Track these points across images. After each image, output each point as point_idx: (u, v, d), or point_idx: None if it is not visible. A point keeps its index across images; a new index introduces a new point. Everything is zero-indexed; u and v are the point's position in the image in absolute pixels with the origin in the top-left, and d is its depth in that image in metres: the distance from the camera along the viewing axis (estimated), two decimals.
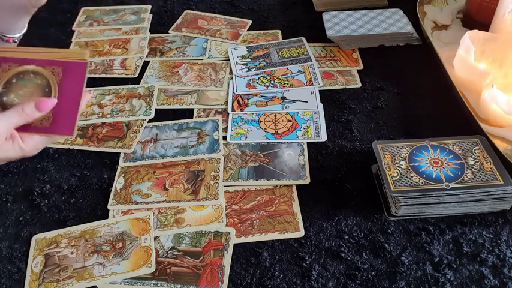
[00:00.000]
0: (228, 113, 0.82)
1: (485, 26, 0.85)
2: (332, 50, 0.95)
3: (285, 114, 0.81)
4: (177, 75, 0.90)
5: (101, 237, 0.64)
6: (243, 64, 0.92)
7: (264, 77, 0.89)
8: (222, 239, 0.63)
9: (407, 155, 0.66)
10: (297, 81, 0.88)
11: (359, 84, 0.87)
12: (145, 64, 0.94)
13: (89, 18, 1.07)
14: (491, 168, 0.63)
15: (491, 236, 0.61)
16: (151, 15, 1.07)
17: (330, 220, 0.64)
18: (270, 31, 1.02)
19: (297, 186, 0.69)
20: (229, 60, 0.94)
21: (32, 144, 0.54)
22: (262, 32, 1.02)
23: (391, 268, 0.59)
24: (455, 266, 0.58)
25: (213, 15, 1.08)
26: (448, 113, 0.78)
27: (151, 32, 1.02)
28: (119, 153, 0.75)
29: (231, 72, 0.91)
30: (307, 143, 0.76)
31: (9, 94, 0.54)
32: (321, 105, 0.82)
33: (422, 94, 0.83)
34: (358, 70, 0.90)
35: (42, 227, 0.66)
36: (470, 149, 0.66)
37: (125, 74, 0.91)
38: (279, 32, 1.02)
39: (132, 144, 0.76)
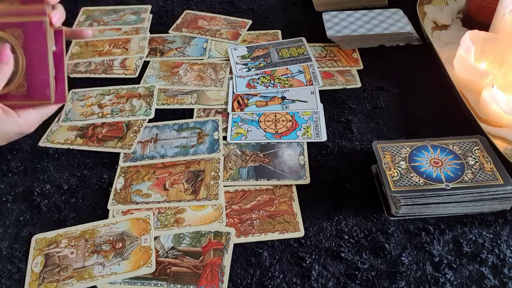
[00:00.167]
0: (228, 113, 0.82)
1: (485, 26, 0.85)
2: (332, 50, 0.95)
3: (285, 114, 0.81)
4: (177, 75, 0.90)
5: (101, 237, 0.64)
6: (243, 64, 0.92)
7: (264, 77, 0.89)
8: (222, 239, 0.63)
9: (407, 155, 0.66)
10: (297, 81, 0.88)
11: (359, 84, 0.87)
12: (145, 64, 0.94)
13: (89, 18, 1.07)
14: (491, 168, 0.63)
15: (491, 236, 0.62)
16: (151, 15, 1.07)
17: (330, 220, 0.64)
18: (270, 31, 1.02)
19: (297, 186, 0.69)
20: (229, 60, 0.94)
21: (29, 119, 0.54)
22: (262, 32, 1.02)
23: (391, 268, 0.59)
24: (455, 266, 0.59)
25: (213, 15, 1.08)
26: (448, 113, 0.78)
27: (151, 32, 1.02)
28: (119, 153, 0.75)
29: (231, 72, 0.91)
30: (307, 143, 0.76)
31: None
32: (321, 105, 0.82)
33: (422, 94, 0.83)
34: (358, 70, 0.90)
35: (42, 227, 0.66)
36: (470, 149, 0.66)
37: (125, 74, 0.91)
38: (279, 32, 1.02)
39: (132, 144, 0.76)
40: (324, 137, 0.76)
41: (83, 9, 1.09)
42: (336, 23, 0.97)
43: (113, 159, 0.75)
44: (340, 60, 0.92)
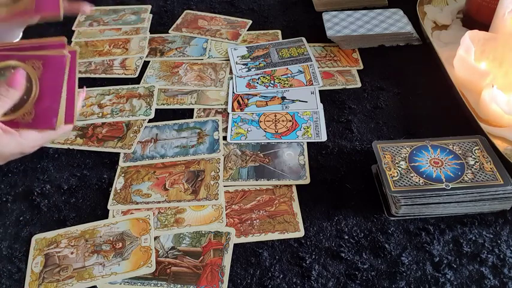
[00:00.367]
0: (228, 113, 0.82)
1: (485, 26, 0.85)
2: (332, 50, 0.95)
3: (285, 114, 0.81)
4: (177, 75, 0.90)
5: (101, 237, 0.64)
6: (243, 64, 0.92)
7: (264, 77, 0.89)
8: (222, 239, 0.63)
9: (407, 155, 0.66)
10: (297, 81, 0.88)
11: (359, 84, 0.87)
12: (145, 64, 0.94)
13: (89, 18, 1.07)
14: (491, 168, 0.63)
15: (491, 236, 0.61)
16: (151, 15, 1.07)
17: (330, 220, 0.64)
18: (270, 31, 1.02)
19: (297, 186, 0.69)
20: (229, 60, 0.94)
21: (31, 140, 0.54)
22: (262, 32, 1.02)
23: (391, 268, 0.59)
24: (455, 266, 0.58)
25: (213, 15, 1.08)
26: (448, 113, 0.78)
27: (151, 32, 1.02)
28: (119, 153, 0.75)
29: (231, 72, 0.91)
30: (307, 143, 0.76)
31: None
32: (321, 105, 0.82)
33: (422, 94, 0.83)
34: (358, 70, 0.90)
35: (42, 227, 0.66)
36: (470, 149, 0.66)
37: (125, 74, 0.91)
38: (279, 32, 1.02)
39: (132, 144, 0.76)
40: (324, 137, 0.76)
41: None
42: (336, 23, 0.97)
43: (113, 159, 0.75)
44: (340, 60, 0.92)
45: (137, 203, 0.68)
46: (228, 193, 0.69)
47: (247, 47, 0.97)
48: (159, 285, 0.58)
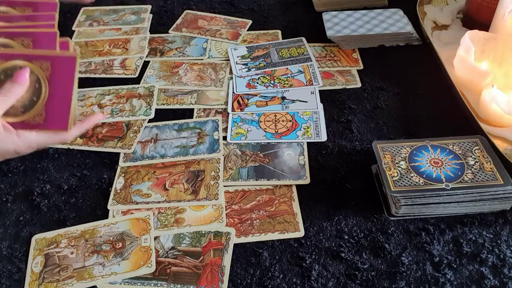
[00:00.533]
0: (228, 113, 0.82)
1: (485, 26, 0.85)
2: (332, 50, 0.95)
3: (285, 114, 0.81)
4: (177, 75, 0.90)
5: (101, 237, 0.64)
6: (243, 64, 0.92)
7: (264, 77, 0.89)
8: (222, 239, 0.63)
9: (407, 155, 0.66)
10: (297, 81, 0.88)
11: (359, 84, 0.87)
12: (145, 64, 0.94)
13: (89, 18, 1.07)
14: (491, 168, 0.63)
15: (491, 236, 0.61)
16: (151, 15, 1.07)
17: (330, 220, 0.64)
18: (270, 31, 1.02)
19: (297, 186, 0.69)
20: (229, 60, 0.94)
21: (25, 140, 0.54)
22: (262, 32, 1.02)
23: (391, 268, 0.59)
24: (455, 266, 0.58)
25: (213, 15, 1.08)
26: (448, 113, 0.78)
27: (151, 32, 1.02)
28: (119, 153, 0.75)
29: (231, 72, 0.91)
30: (307, 143, 0.76)
31: None
32: (321, 105, 0.82)
33: (422, 94, 0.83)
34: (358, 70, 0.90)
35: (42, 227, 0.66)
36: (470, 149, 0.66)
37: (125, 74, 0.91)
38: (279, 32, 1.02)
39: (132, 144, 0.76)
40: (324, 137, 0.76)
41: (83, 9, 1.09)
42: (336, 23, 0.97)
43: (113, 159, 0.75)
44: (340, 60, 0.92)
45: (137, 203, 0.68)
46: (228, 193, 0.69)
47: (247, 47, 0.97)
48: (159, 285, 0.58)
